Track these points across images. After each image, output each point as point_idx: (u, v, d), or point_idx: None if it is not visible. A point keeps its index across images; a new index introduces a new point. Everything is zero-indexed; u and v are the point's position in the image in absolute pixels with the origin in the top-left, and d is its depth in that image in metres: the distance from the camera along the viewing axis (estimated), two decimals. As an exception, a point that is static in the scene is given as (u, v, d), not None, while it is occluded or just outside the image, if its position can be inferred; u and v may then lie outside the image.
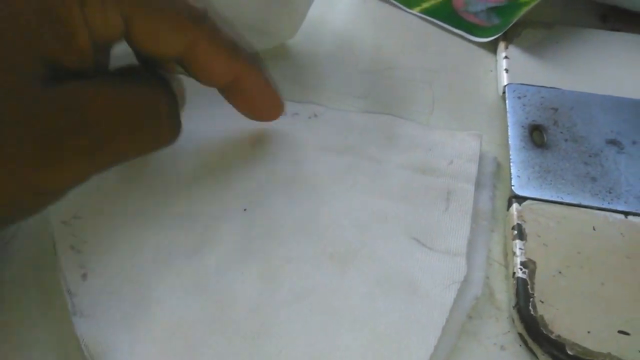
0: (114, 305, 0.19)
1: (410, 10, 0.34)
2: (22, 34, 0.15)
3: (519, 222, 0.21)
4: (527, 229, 0.21)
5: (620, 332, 0.18)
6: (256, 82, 0.21)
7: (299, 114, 0.27)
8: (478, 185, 0.23)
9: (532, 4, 0.31)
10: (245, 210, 0.22)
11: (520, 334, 0.19)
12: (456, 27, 0.32)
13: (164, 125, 0.19)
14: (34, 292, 0.20)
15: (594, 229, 0.21)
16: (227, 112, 0.23)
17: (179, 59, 0.19)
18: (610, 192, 0.22)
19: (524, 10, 0.31)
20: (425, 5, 0.34)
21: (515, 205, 0.22)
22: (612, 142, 0.24)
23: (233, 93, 0.22)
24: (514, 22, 0.30)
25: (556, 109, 0.26)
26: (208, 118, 0.25)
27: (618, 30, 0.32)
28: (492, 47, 0.31)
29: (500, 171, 0.25)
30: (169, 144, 0.20)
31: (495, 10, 0.33)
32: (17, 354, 0.19)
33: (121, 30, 0.18)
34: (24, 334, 0.19)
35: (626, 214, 0.22)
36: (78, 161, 0.17)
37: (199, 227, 0.22)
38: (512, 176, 0.23)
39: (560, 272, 0.20)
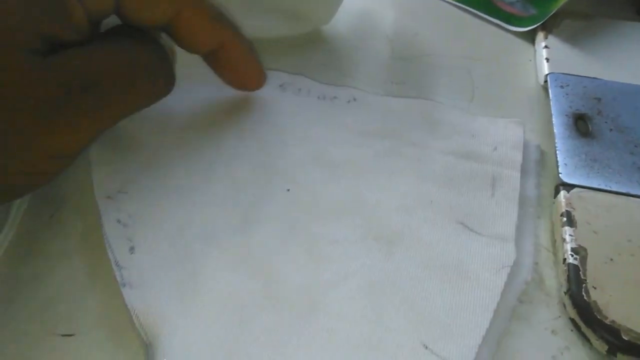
0: (163, 278, 0.19)
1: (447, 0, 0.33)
2: (19, 13, 0.16)
3: (567, 209, 0.21)
4: (577, 216, 0.21)
5: (674, 319, 0.18)
6: (240, 49, 0.22)
7: (338, 98, 0.26)
8: (523, 172, 0.23)
9: (570, -5, 0.31)
10: (288, 190, 0.22)
11: (572, 319, 0.19)
12: (493, 17, 0.32)
13: (159, 76, 0.20)
14: (81, 265, 0.20)
15: (643, 218, 0.21)
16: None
17: (165, 26, 0.20)
18: (658, 182, 0.22)
19: (561, 1, 0.31)
20: (460, -7, 0.34)
21: (563, 193, 0.22)
22: (658, 133, 0.24)
23: (217, 60, 0.22)
24: (552, 12, 0.30)
25: (599, 99, 0.26)
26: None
27: (654, 24, 0.32)
28: (529, 37, 0.31)
29: (544, 159, 0.24)
30: (166, 94, 0.21)
31: (530, 0, 0.33)
32: (67, 326, 0.18)
33: (113, 6, 0.18)
34: (73, 307, 0.19)
35: (675, 204, 0.22)
36: (85, 121, 0.17)
37: (243, 205, 0.21)
38: (559, 164, 0.23)
39: (611, 260, 0.20)
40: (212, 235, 0.20)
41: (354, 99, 0.26)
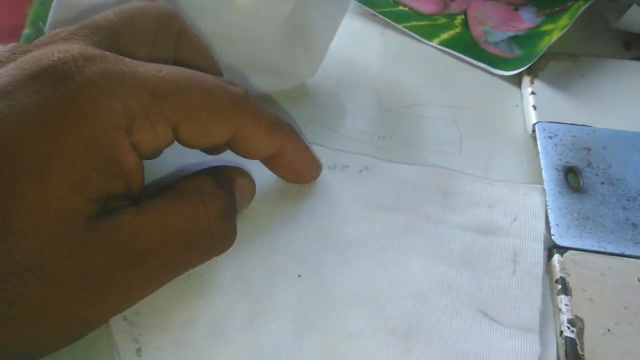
0: None
1: (430, 43, 0.33)
2: (70, 176, 0.15)
3: (562, 275, 0.21)
4: (571, 282, 0.21)
5: (676, 394, 0.18)
6: (297, 151, 0.22)
7: (349, 167, 0.26)
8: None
9: (555, 36, 0.30)
10: (299, 276, 0.21)
11: (572, 398, 0.19)
12: (478, 60, 0.32)
13: (216, 237, 0.19)
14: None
15: (639, 281, 0.21)
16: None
17: (226, 143, 0.20)
18: (653, 240, 0.22)
19: (547, 41, 0.30)
20: (444, 36, 0.34)
21: (556, 257, 0.21)
22: (650, 184, 0.24)
23: (275, 163, 0.22)
24: (539, 55, 0.30)
25: (589, 149, 0.25)
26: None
27: (642, 57, 0.31)
28: (516, 80, 0.31)
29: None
30: (223, 252, 0.20)
31: (515, 39, 0.33)
32: None
33: (171, 139, 0.18)
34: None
35: (671, 262, 0.21)
36: (127, 292, 0.17)
37: (252, 295, 0.21)
38: (552, 225, 0.22)
39: (609, 330, 0.19)
40: (221, 332, 0.20)
41: (366, 168, 0.25)
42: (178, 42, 0.21)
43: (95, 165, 0.16)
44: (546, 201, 0.23)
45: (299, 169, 0.23)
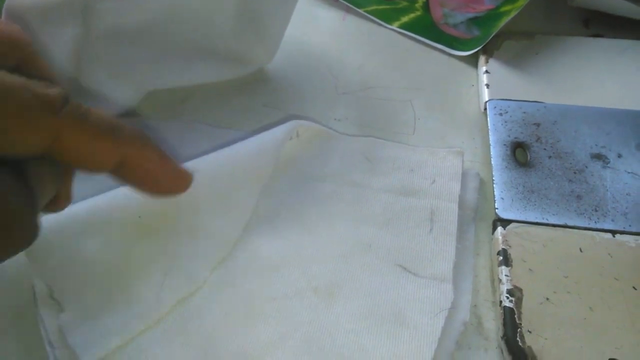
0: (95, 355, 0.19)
1: (390, 26, 0.33)
2: None
3: (504, 247, 0.21)
4: (513, 254, 0.21)
5: (611, 359, 0.18)
6: (148, 158, 0.19)
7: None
8: (462, 204, 0.23)
9: (513, 15, 0.30)
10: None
11: (509, 366, 0.19)
12: (436, 42, 0.32)
13: (14, 229, 0.16)
14: (14, 344, 0.20)
15: (580, 251, 0.21)
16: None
17: (45, 154, 0.17)
18: (596, 211, 0.22)
19: (504, 20, 0.30)
20: (404, 19, 0.34)
21: (499, 230, 0.22)
22: (597, 157, 0.24)
23: (125, 174, 0.19)
24: (494, 33, 0.30)
25: (539, 124, 0.25)
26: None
27: (601, 35, 0.31)
28: (473, 61, 0.31)
29: (484, 190, 0.24)
30: (24, 248, 0.17)
31: (475, 21, 0.33)
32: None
33: None
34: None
35: (613, 232, 0.21)
36: None
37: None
38: (496, 198, 0.23)
39: (547, 299, 0.20)
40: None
41: (297, 135, 0.26)
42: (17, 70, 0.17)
43: None
44: (492, 175, 0.23)
45: (155, 179, 0.20)
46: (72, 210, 0.22)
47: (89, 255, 0.21)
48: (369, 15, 0.34)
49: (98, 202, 0.22)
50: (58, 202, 0.20)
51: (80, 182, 0.20)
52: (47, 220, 0.21)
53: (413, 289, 0.20)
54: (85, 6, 0.24)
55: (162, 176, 0.20)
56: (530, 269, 0.20)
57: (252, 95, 0.30)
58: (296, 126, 0.25)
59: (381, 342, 0.19)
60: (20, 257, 0.21)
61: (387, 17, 0.34)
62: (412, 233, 0.22)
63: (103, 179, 0.19)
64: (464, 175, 0.24)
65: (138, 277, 0.21)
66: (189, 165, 0.22)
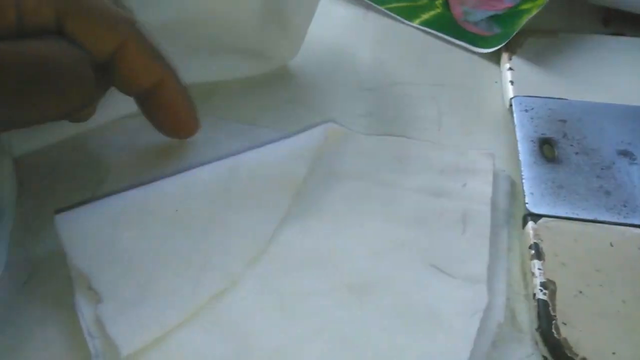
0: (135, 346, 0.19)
1: (411, 23, 0.34)
2: None
3: (535, 241, 0.21)
4: (545, 247, 0.21)
5: (646, 351, 0.18)
6: (176, 91, 0.22)
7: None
8: (494, 205, 0.23)
9: (534, 12, 0.30)
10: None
11: (544, 357, 0.19)
12: (458, 39, 0.32)
13: (73, 81, 0.19)
14: (56, 334, 0.20)
15: (611, 245, 0.21)
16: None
17: (106, 60, 0.20)
18: (625, 206, 0.22)
19: (525, 18, 0.31)
20: (425, 16, 0.34)
21: (530, 224, 0.22)
22: (624, 153, 0.24)
23: (152, 100, 0.22)
24: (516, 31, 0.30)
25: (565, 121, 0.26)
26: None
27: (621, 33, 0.32)
28: (495, 58, 0.31)
29: (513, 188, 0.24)
30: (85, 101, 0.20)
31: (495, 18, 0.33)
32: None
33: (51, 23, 0.18)
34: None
35: (642, 227, 0.22)
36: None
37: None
38: (526, 194, 0.23)
39: (581, 292, 0.20)
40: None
41: (325, 137, 0.26)
42: None
43: None
44: (521, 171, 0.24)
45: (175, 114, 0.23)
46: (109, 201, 0.22)
47: (126, 246, 0.21)
48: (389, 13, 0.34)
49: (135, 194, 0.22)
50: (87, 111, 0.23)
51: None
52: (84, 211, 0.22)
53: (447, 289, 0.20)
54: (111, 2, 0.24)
55: (182, 109, 0.23)
56: (562, 263, 0.21)
57: (275, 91, 0.30)
58: (327, 129, 0.25)
59: (416, 341, 0.19)
60: (58, 246, 0.22)
61: (407, 14, 0.34)
62: (445, 234, 0.22)
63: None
64: (495, 177, 0.24)
65: (174, 270, 0.21)
66: (223, 163, 0.23)
